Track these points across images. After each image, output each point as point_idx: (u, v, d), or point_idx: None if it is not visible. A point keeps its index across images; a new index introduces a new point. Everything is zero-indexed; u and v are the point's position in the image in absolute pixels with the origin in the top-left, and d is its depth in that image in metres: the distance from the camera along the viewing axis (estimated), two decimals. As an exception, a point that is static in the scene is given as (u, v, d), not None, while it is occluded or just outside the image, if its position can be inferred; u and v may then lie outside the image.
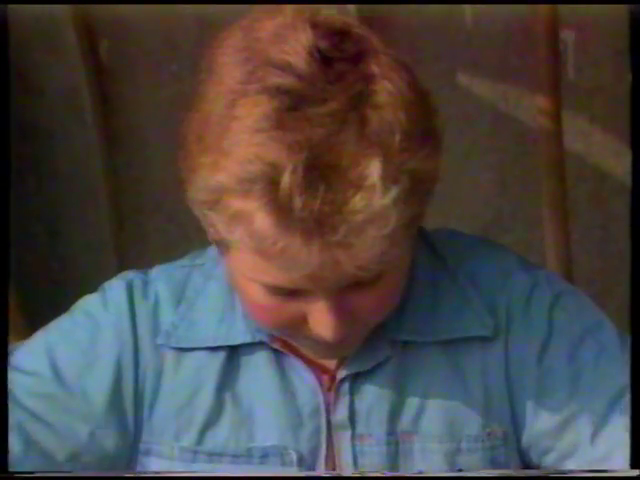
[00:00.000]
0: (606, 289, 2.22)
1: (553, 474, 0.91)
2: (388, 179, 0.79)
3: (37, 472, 0.92)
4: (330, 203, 0.77)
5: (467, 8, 2.17)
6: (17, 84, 2.45)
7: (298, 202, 0.77)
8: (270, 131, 0.77)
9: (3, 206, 0.94)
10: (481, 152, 2.34)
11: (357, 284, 0.84)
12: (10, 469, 0.93)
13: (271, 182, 0.77)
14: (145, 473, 0.95)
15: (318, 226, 0.77)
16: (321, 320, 0.85)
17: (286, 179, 0.76)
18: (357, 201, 0.78)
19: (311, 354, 0.94)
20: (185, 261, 1.03)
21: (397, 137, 0.79)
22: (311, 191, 0.77)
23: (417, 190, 0.81)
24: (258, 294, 0.85)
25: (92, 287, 1.06)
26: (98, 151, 2.43)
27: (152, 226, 2.44)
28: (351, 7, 2.05)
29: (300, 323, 0.87)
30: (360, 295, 0.85)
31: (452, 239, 1.01)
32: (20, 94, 2.45)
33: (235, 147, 0.79)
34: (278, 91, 0.78)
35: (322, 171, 0.77)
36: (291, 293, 0.84)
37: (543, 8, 1.97)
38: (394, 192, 0.79)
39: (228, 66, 0.82)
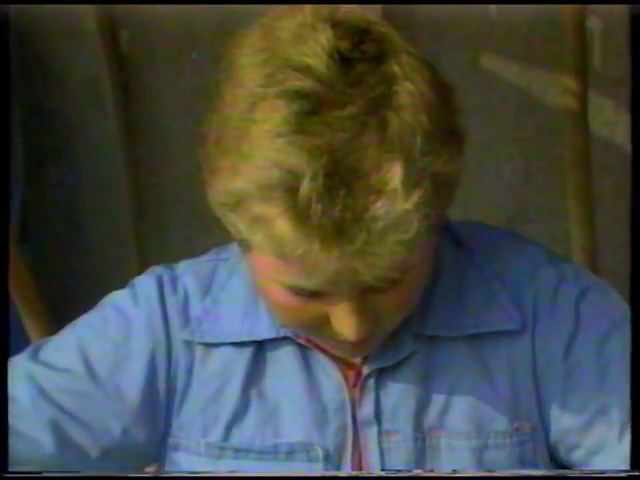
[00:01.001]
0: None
1: (553, 474, 0.90)
2: (410, 183, 0.77)
3: (37, 472, 0.92)
4: (351, 210, 0.76)
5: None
6: (38, 74, 2.46)
7: (318, 209, 0.76)
8: (289, 136, 0.76)
9: (3, 206, 0.93)
10: (505, 142, 2.33)
11: (379, 286, 0.83)
12: (44, 468, 0.93)
13: (290, 189, 0.76)
14: (146, 473, 0.95)
15: (338, 234, 0.76)
16: (344, 321, 0.84)
17: (305, 186, 0.75)
18: (378, 207, 0.76)
19: (335, 352, 0.93)
20: (211, 255, 1.03)
21: (419, 140, 0.78)
22: (331, 197, 0.76)
23: (440, 193, 0.80)
24: (280, 294, 0.85)
25: (112, 278, 1.06)
26: (118, 141, 2.43)
27: (173, 217, 2.44)
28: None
29: (323, 323, 0.86)
30: (383, 296, 0.84)
31: (479, 233, 1.00)
32: (41, 84, 2.46)
33: (254, 152, 0.78)
34: (297, 95, 0.77)
35: (342, 176, 0.76)
36: (313, 294, 0.83)
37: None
38: (416, 196, 0.77)
39: (247, 68, 0.81)
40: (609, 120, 2.24)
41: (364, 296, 0.83)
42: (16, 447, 0.92)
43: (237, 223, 0.81)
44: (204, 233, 2.25)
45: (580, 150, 2.01)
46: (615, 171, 2.27)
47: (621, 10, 2.06)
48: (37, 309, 2.14)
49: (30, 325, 2.16)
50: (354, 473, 0.94)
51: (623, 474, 0.86)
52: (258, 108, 0.78)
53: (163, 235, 2.45)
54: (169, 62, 2.38)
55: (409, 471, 0.92)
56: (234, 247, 0.96)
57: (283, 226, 0.77)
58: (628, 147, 2.29)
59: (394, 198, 0.76)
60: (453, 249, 0.97)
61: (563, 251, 2.20)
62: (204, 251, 1.05)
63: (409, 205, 0.77)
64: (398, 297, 0.85)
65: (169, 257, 1.10)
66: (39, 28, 2.38)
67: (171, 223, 2.45)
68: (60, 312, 1.10)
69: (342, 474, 0.94)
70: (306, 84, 0.77)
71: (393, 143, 0.77)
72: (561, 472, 0.92)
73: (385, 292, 0.84)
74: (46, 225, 2.51)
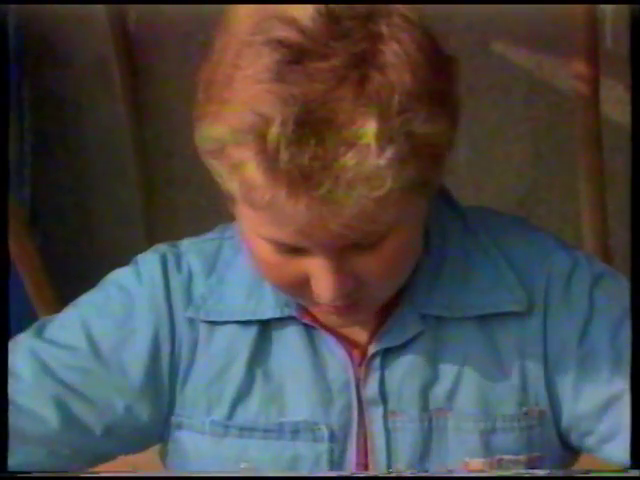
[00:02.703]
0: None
1: (553, 474, 0.90)
2: (384, 139, 0.77)
3: (37, 472, 0.92)
4: (320, 158, 0.76)
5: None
6: (46, 57, 2.46)
7: (285, 155, 0.76)
8: (268, 83, 0.78)
9: (3, 206, 0.93)
10: (516, 123, 2.32)
11: (357, 246, 0.83)
12: (48, 445, 0.94)
13: (261, 134, 0.77)
14: (146, 473, 0.95)
15: (304, 180, 0.77)
16: (320, 279, 0.84)
17: (274, 131, 0.76)
18: (348, 158, 0.76)
19: (327, 321, 0.93)
20: (215, 234, 1.03)
21: (397, 98, 0.77)
22: (300, 145, 0.76)
23: (418, 153, 0.79)
24: (262, 249, 0.85)
25: (122, 260, 1.05)
26: (127, 124, 2.44)
27: (182, 199, 2.45)
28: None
29: (304, 282, 0.86)
30: (361, 257, 0.84)
31: (487, 217, 0.99)
32: (49, 67, 2.46)
33: (234, 97, 0.79)
34: (281, 44, 0.78)
35: (315, 126, 0.76)
36: (293, 251, 0.84)
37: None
38: (389, 152, 0.77)
39: (239, 17, 0.82)
40: (621, 99, 2.23)
41: (342, 256, 0.83)
42: (20, 424, 0.92)
43: (220, 172, 0.82)
44: (212, 215, 2.25)
45: (591, 130, 2.00)
46: (627, 151, 2.26)
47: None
48: (46, 291, 2.15)
49: (39, 307, 2.17)
50: (355, 473, 0.93)
51: (623, 474, 0.86)
52: (243, 55, 0.80)
53: (171, 217, 2.45)
54: (177, 45, 2.38)
55: (409, 471, 0.92)
56: (240, 230, 0.96)
57: (253, 171, 0.78)
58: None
59: (367, 152, 0.77)
60: (460, 231, 0.97)
61: (575, 231, 2.20)
62: (225, 225, 1.04)
63: (382, 161, 0.77)
64: (378, 261, 0.84)
65: (177, 238, 1.09)
66: (47, 12, 2.37)
67: (179, 205, 2.45)
68: (69, 294, 1.09)
69: (343, 474, 0.93)
70: (290, 34, 0.78)
71: (370, 98, 0.77)
72: (561, 472, 0.92)
73: (363, 254, 0.83)
74: (55, 208, 2.52)
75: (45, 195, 2.50)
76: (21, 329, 1.00)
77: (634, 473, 0.85)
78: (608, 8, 2.17)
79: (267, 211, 0.79)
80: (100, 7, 2.36)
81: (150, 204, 2.48)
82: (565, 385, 0.93)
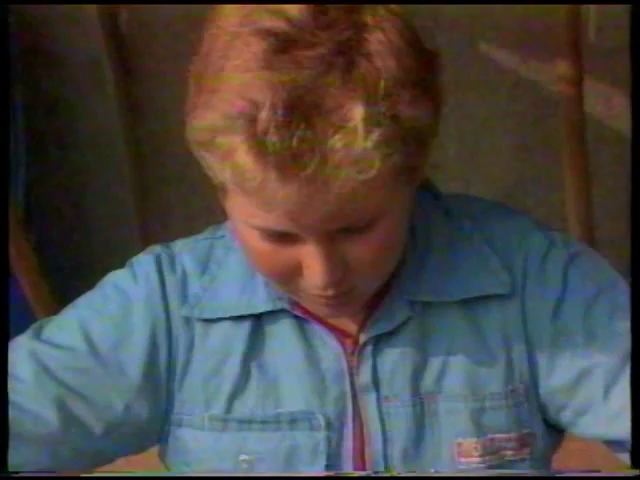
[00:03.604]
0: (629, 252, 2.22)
1: (553, 474, 0.92)
2: (371, 122, 0.80)
3: (37, 472, 0.94)
4: (309, 141, 0.79)
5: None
6: (39, 57, 2.47)
7: (274, 138, 0.79)
8: (257, 71, 0.80)
9: (3, 206, 0.94)
10: (501, 116, 2.34)
11: (347, 231, 0.85)
12: (49, 445, 0.94)
13: (251, 119, 0.79)
14: (146, 473, 0.96)
15: (293, 161, 0.79)
16: (311, 265, 0.86)
17: (264, 116, 0.79)
18: (336, 140, 0.79)
19: (317, 312, 0.95)
20: (207, 234, 1.05)
21: (382, 83, 0.80)
22: (289, 129, 0.79)
23: (404, 137, 0.82)
24: (253, 239, 0.87)
25: (116, 258, 1.07)
26: (120, 122, 2.45)
27: (175, 197, 2.46)
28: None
29: (295, 271, 0.88)
30: (351, 243, 0.86)
31: (468, 203, 1.02)
32: (42, 67, 2.47)
33: (224, 86, 0.82)
34: (268, 33, 0.81)
35: (304, 111, 0.79)
36: (284, 238, 0.86)
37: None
38: (376, 135, 0.80)
39: (227, 10, 0.85)
40: (606, 92, 2.25)
41: (332, 242, 0.85)
42: (21, 425, 0.93)
43: (211, 163, 0.84)
44: (206, 213, 2.27)
45: (575, 123, 2.02)
46: (612, 142, 2.29)
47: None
48: (43, 289, 2.17)
49: (36, 305, 2.18)
50: (356, 473, 0.95)
51: (623, 474, 0.88)
52: (232, 46, 0.82)
53: (165, 215, 2.46)
54: (169, 44, 2.39)
55: (406, 472, 0.94)
56: (229, 224, 0.98)
57: (243, 155, 0.80)
58: (625, 119, 2.31)
59: (354, 135, 0.79)
60: (443, 219, 0.99)
61: (561, 222, 2.22)
62: (217, 225, 1.06)
63: (369, 143, 0.79)
64: (367, 247, 0.86)
65: (171, 236, 1.11)
66: (39, 12, 2.39)
67: (173, 203, 2.46)
68: (65, 291, 1.11)
69: (345, 474, 0.95)
70: (277, 24, 0.81)
71: (357, 83, 0.80)
72: (560, 472, 0.93)
73: (353, 241, 0.86)
74: (50, 206, 2.52)
75: (40, 194, 2.51)
76: (18, 328, 1.01)
77: (634, 473, 0.86)
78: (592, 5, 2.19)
79: (258, 195, 0.82)
80: (92, 7, 2.37)
81: (144, 202, 2.49)
82: (541, 361, 0.95)
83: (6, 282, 0.95)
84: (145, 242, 1.08)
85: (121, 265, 1.05)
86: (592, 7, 2.21)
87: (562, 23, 2.00)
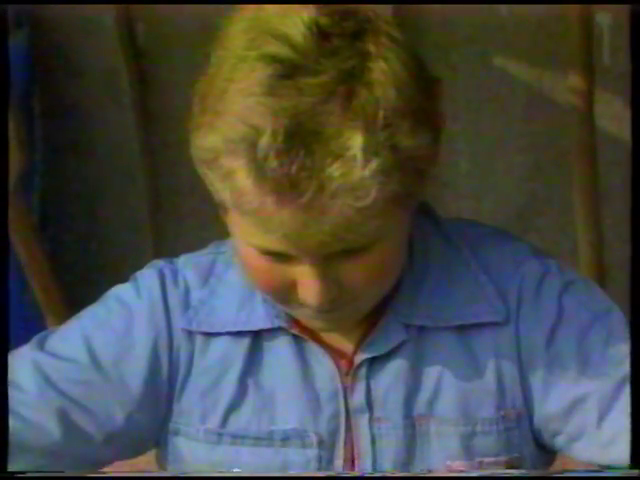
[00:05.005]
0: None
1: (553, 474, 0.92)
2: (370, 151, 0.81)
3: (37, 472, 0.94)
4: (307, 169, 0.80)
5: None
6: (57, 67, 2.49)
7: (273, 163, 0.80)
8: (260, 96, 0.81)
9: (3, 206, 0.95)
10: (515, 135, 2.34)
11: (343, 253, 0.86)
12: (50, 455, 0.95)
13: (252, 143, 0.81)
14: (145, 473, 0.97)
15: (291, 188, 0.80)
16: (306, 285, 0.87)
17: (264, 141, 0.80)
18: (334, 169, 0.80)
19: (311, 326, 0.96)
20: (210, 249, 1.06)
21: (382, 113, 0.81)
22: (289, 155, 0.80)
23: (402, 167, 0.83)
24: (250, 255, 0.89)
25: (129, 267, 1.08)
26: (135, 132, 2.47)
27: (188, 207, 2.47)
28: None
29: (290, 288, 0.89)
30: (347, 264, 0.87)
31: (467, 229, 1.02)
32: (60, 77, 2.49)
33: (227, 109, 0.83)
34: (273, 59, 0.82)
35: (303, 138, 0.80)
36: (280, 258, 0.87)
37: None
38: (374, 165, 0.81)
39: (233, 33, 0.86)
40: (618, 114, 2.26)
41: (328, 264, 0.86)
42: (23, 435, 0.95)
43: (213, 181, 0.86)
44: (217, 222, 2.27)
45: (586, 144, 2.03)
46: (624, 165, 2.28)
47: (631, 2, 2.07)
48: (55, 296, 2.18)
49: (48, 312, 2.20)
50: (355, 473, 0.96)
51: (623, 474, 0.88)
52: (238, 69, 0.83)
53: (178, 224, 2.48)
54: (184, 55, 2.41)
55: (397, 471, 0.95)
56: (232, 241, 0.99)
57: (243, 178, 0.82)
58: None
59: (353, 163, 0.80)
60: (441, 244, 1.00)
61: (572, 243, 2.22)
62: (218, 240, 1.08)
63: (367, 172, 0.80)
64: (362, 270, 0.87)
65: (184, 245, 1.12)
66: (58, 22, 2.41)
67: (186, 213, 2.47)
68: (78, 299, 1.12)
69: (343, 474, 0.96)
70: (282, 50, 0.82)
71: (357, 113, 0.81)
72: (562, 472, 0.93)
73: (348, 262, 0.87)
74: (65, 215, 2.54)
75: (55, 202, 2.53)
76: (31, 336, 1.02)
77: (634, 473, 0.87)
78: (605, 23, 2.19)
79: (255, 218, 0.83)
80: (109, 18, 2.40)
81: (157, 211, 2.51)
82: (535, 387, 0.96)
83: (6, 290, 0.95)
84: (158, 250, 1.10)
85: (134, 272, 1.06)
86: (606, 29, 2.22)
87: (575, 44, 2.01)
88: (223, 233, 1.11)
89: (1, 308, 0.95)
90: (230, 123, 0.82)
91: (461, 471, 0.96)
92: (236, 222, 0.87)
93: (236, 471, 0.98)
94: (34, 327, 1.10)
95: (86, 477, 0.96)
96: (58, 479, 0.95)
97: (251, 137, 0.81)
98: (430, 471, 0.96)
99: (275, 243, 0.85)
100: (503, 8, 2.20)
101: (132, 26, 2.45)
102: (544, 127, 2.33)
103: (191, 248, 1.09)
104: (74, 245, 2.54)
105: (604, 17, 2.20)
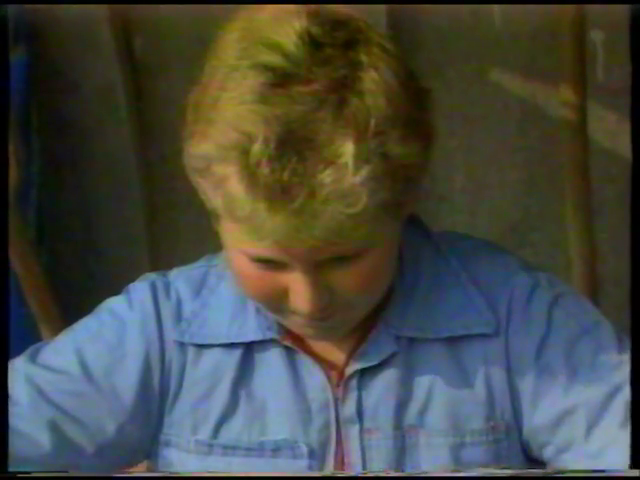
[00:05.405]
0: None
1: (553, 474, 0.92)
2: (360, 159, 0.82)
3: (37, 472, 0.94)
4: (299, 175, 0.82)
5: (496, 8, 2.19)
6: (54, 80, 2.50)
7: (265, 170, 0.82)
8: (252, 104, 0.83)
9: (3, 207, 0.97)
10: (509, 151, 2.36)
11: (334, 260, 0.87)
12: (42, 466, 0.96)
13: (244, 151, 0.82)
14: (144, 473, 0.97)
15: (282, 194, 0.82)
16: (298, 292, 0.88)
17: (257, 149, 0.81)
18: (326, 175, 0.82)
19: (304, 334, 0.97)
20: (202, 262, 1.07)
21: (373, 121, 0.83)
22: (281, 162, 0.82)
23: (394, 174, 0.84)
24: (242, 263, 0.90)
25: (126, 280, 1.09)
26: (132, 146, 2.47)
27: (184, 221, 2.47)
28: (382, 8, 2.08)
29: (281, 295, 0.90)
30: (338, 271, 0.88)
31: (457, 241, 1.03)
32: (57, 91, 2.49)
33: (219, 117, 0.85)
34: (265, 68, 0.84)
35: (295, 145, 0.82)
36: (272, 265, 0.88)
37: (570, 8, 1.99)
38: (365, 172, 0.82)
39: (226, 43, 0.88)
40: (612, 130, 2.27)
41: (319, 271, 0.87)
42: (15, 446, 0.95)
43: (206, 189, 0.87)
44: (214, 236, 2.27)
45: (579, 160, 2.04)
46: (618, 181, 2.30)
47: (623, 21, 2.09)
48: (52, 309, 2.18)
49: (44, 325, 2.20)
50: (353, 473, 0.97)
51: (623, 474, 0.88)
52: (230, 78, 0.85)
53: (174, 238, 2.48)
54: (181, 69, 2.42)
55: (392, 471, 0.95)
56: (224, 254, 1.00)
57: (235, 185, 0.83)
58: (630, 157, 2.32)
59: (344, 170, 0.82)
60: (432, 256, 1.01)
61: (566, 257, 2.23)
62: (214, 253, 1.08)
63: (358, 179, 0.82)
64: (353, 278, 0.89)
65: (180, 259, 1.13)
66: (54, 35, 2.42)
67: (182, 226, 2.48)
68: (74, 312, 1.13)
69: (327, 474, 0.97)
70: (274, 59, 0.84)
71: (348, 121, 0.82)
72: (561, 472, 0.94)
73: (339, 270, 0.88)
74: (61, 228, 2.54)
75: (51, 215, 2.53)
76: (26, 348, 1.04)
77: (634, 473, 0.87)
78: (599, 39, 2.21)
79: (248, 224, 0.84)
80: (107, 32, 2.40)
81: (153, 224, 2.51)
82: (525, 398, 0.97)
83: (7, 302, 0.96)
84: (154, 264, 1.11)
85: (130, 286, 1.07)
86: (599, 45, 2.24)
87: (567, 60, 2.02)
88: (219, 247, 1.12)
89: (1, 319, 0.96)
90: (222, 130, 0.83)
91: (459, 471, 0.96)
92: (228, 229, 0.88)
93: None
94: (30, 340, 1.10)
95: (86, 477, 0.97)
96: (58, 479, 0.95)
97: (243, 144, 0.82)
98: (425, 472, 0.96)
99: (267, 250, 0.86)
100: (497, 17, 2.21)
101: (129, 41, 2.45)
102: (538, 143, 2.34)
103: (187, 261, 1.10)
104: (71, 258, 2.54)
105: (597, 34, 2.22)
